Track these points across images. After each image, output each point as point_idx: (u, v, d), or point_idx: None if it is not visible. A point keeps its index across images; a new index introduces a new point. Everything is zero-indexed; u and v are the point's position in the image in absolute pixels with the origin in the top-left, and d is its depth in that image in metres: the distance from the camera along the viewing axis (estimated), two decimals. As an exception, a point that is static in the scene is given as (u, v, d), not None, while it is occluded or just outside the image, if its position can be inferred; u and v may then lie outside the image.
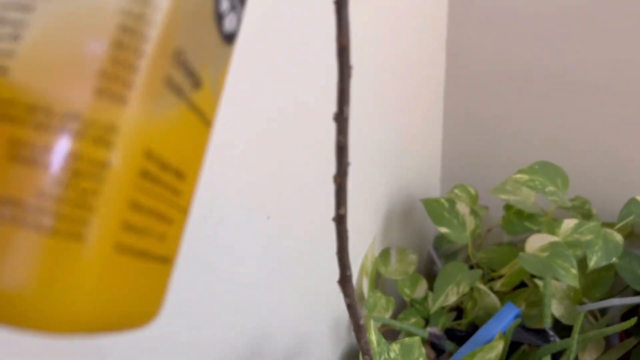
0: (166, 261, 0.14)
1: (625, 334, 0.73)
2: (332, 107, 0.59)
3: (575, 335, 0.61)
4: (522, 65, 0.75)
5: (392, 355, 0.48)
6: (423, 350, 0.54)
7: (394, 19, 0.69)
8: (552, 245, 0.61)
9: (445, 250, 0.88)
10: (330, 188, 0.62)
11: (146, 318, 0.14)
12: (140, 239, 0.13)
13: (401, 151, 0.76)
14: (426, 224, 0.91)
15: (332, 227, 0.64)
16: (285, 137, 0.52)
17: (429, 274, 0.89)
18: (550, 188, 0.63)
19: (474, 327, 0.71)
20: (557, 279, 0.60)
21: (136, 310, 0.13)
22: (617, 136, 0.74)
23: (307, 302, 0.62)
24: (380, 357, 0.47)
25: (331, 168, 0.60)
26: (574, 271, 0.59)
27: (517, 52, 0.75)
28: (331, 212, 0.64)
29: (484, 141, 0.81)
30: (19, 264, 0.11)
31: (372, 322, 0.50)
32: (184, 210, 0.14)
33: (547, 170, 0.64)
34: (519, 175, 0.64)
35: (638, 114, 0.71)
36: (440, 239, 0.90)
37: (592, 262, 0.64)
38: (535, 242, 0.63)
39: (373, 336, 0.48)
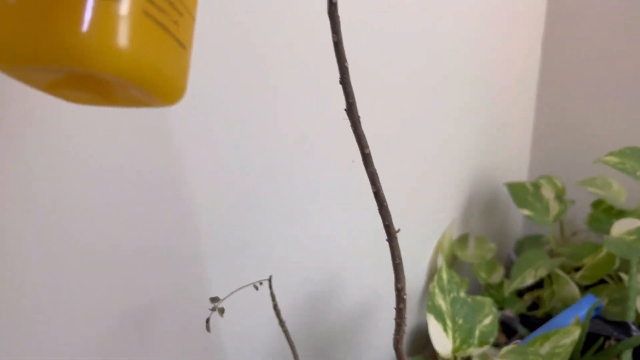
0: (183, 46, 0.20)
1: None
2: (419, 58, 0.62)
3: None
4: (619, 59, 0.75)
5: (462, 295, 0.48)
6: (494, 309, 0.54)
7: (493, 14, 0.71)
8: (640, 229, 0.59)
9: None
10: (418, 142, 0.64)
11: (174, 91, 0.20)
12: (161, 14, 0.18)
13: (490, 139, 0.77)
14: (510, 215, 0.90)
15: (417, 187, 0.66)
16: (376, 85, 0.55)
17: (507, 265, 0.87)
18: (642, 173, 0.61)
19: (547, 317, 0.69)
20: (643, 263, 0.58)
21: (165, 76, 0.19)
22: None
23: (378, 258, 0.64)
24: (449, 293, 0.48)
25: (420, 121, 0.63)
26: (663, 256, 0.57)
27: (615, 45, 0.75)
28: (418, 170, 0.66)
29: (577, 135, 0.80)
30: (80, 18, 0.16)
31: (444, 266, 0.51)
32: (189, 11, 0.20)
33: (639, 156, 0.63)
34: (608, 158, 0.63)
35: None
36: (521, 244, 0.89)
37: (685, 258, 0.61)
38: (623, 226, 0.61)
39: (444, 273, 0.49)
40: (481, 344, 0.51)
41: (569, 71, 0.79)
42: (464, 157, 0.75)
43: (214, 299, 0.38)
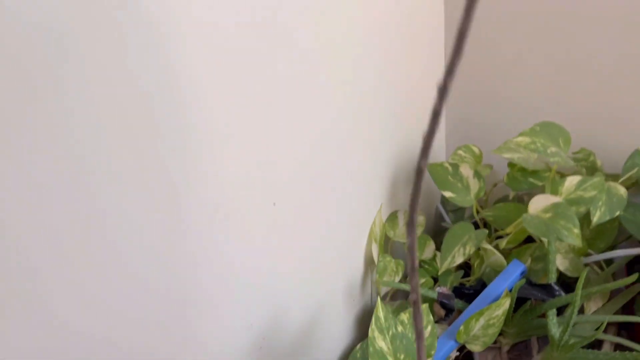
0: None
1: (627, 272, 0.75)
2: None
3: (579, 290, 0.63)
4: (522, 29, 0.74)
5: (399, 329, 0.50)
6: (431, 317, 0.57)
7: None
8: (555, 206, 0.62)
9: (452, 205, 0.89)
10: (337, 135, 0.63)
11: None
12: None
13: (405, 117, 0.76)
14: (432, 184, 0.92)
15: (341, 194, 0.64)
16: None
17: (437, 231, 0.91)
18: (552, 149, 0.63)
19: (481, 284, 0.73)
20: (560, 240, 0.61)
21: None
22: (620, 88, 0.73)
23: (320, 272, 0.65)
24: (388, 332, 0.50)
25: (334, 113, 0.61)
26: (577, 231, 0.61)
27: (516, 15, 0.73)
28: (339, 161, 0.65)
29: (488, 102, 0.81)
30: None
31: (379, 303, 0.52)
32: None
33: (549, 130, 0.64)
34: (520, 139, 0.64)
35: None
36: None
37: (596, 218, 0.66)
38: (539, 203, 0.64)
39: (380, 312, 0.51)
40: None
41: (475, 38, 0.78)
42: (383, 141, 0.74)
43: None
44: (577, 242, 0.61)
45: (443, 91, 0.19)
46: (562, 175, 0.72)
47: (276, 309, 0.59)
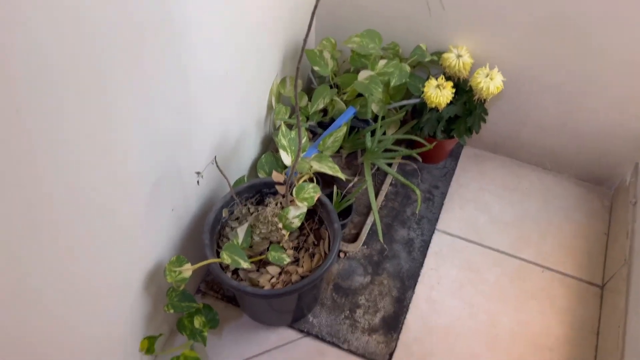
0: None
1: (412, 117, 1.36)
2: None
3: (380, 119, 1.22)
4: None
5: (292, 136, 1.04)
6: (306, 135, 1.11)
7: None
8: (371, 77, 1.18)
9: (318, 74, 1.42)
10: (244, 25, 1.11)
11: None
12: None
13: (292, 18, 1.23)
14: (306, 61, 1.42)
15: (256, 67, 1.15)
16: None
17: (309, 90, 1.44)
18: (371, 45, 1.17)
19: (332, 120, 1.29)
20: (372, 94, 1.17)
21: None
22: (416, 11, 1.27)
23: (245, 112, 1.15)
24: (286, 137, 1.03)
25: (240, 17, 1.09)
26: (380, 89, 1.17)
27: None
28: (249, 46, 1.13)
29: (341, 10, 1.31)
30: None
31: (282, 124, 1.04)
32: None
33: (370, 34, 1.18)
34: (354, 38, 1.16)
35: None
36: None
37: (393, 82, 1.22)
38: (363, 75, 1.19)
39: (283, 127, 1.03)
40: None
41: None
42: (280, 34, 1.22)
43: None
44: (380, 96, 1.18)
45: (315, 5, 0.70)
46: (382, 58, 1.27)
47: (224, 130, 1.09)
